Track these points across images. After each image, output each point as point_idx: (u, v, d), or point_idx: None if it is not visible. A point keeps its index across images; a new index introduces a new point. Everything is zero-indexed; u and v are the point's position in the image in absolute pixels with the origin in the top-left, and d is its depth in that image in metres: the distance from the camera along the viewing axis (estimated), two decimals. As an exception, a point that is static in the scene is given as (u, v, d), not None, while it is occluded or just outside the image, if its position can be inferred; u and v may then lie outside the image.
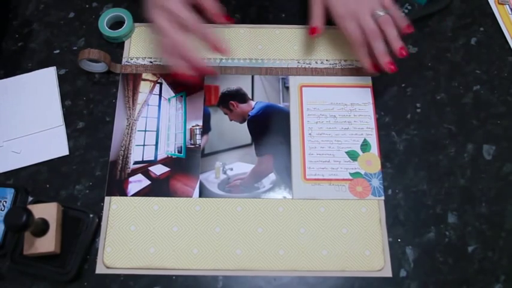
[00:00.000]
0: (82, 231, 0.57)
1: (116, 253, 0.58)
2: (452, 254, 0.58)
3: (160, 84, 0.67)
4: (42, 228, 0.54)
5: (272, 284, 0.57)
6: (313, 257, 0.58)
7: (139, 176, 0.62)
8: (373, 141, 0.64)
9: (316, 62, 0.69)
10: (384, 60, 0.61)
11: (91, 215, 0.58)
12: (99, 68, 0.67)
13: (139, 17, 0.71)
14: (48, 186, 0.61)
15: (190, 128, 0.65)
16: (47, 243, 0.54)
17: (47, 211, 0.55)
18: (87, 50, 0.64)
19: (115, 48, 0.70)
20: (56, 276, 0.55)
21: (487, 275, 0.57)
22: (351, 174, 0.62)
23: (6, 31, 0.71)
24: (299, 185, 0.62)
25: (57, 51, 0.70)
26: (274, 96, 0.67)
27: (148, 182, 0.62)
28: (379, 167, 0.63)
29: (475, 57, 0.70)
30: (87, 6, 0.73)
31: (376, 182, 0.62)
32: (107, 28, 0.69)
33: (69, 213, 0.57)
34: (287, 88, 0.67)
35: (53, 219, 0.55)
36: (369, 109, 0.66)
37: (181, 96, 0.67)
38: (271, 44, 0.70)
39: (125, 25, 0.69)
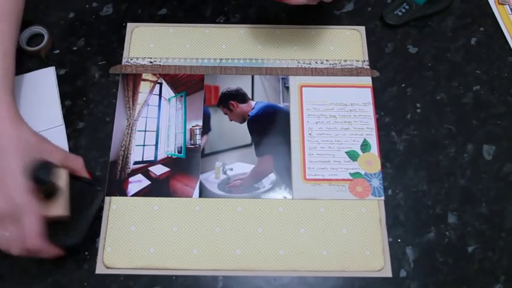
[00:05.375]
0: (88, 202, 0.56)
1: (116, 253, 0.58)
2: (452, 254, 0.58)
3: (160, 84, 0.67)
4: (54, 189, 0.52)
5: (272, 284, 0.57)
6: (313, 257, 0.58)
7: (139, 176, 0.62)
8: (373, 141, 0.64)
9: (316, 62, 0.69)
10: None
11: (98, 188, 0.57)
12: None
13: (140, 17, 0.71)
14: (48, 186, 0.61)
15: (190, 128, 0.65)
16: (58, 207, 0.52)
17: (57, 175, 0.53)
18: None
19: (115, 48, 0.70)
20: (63, 239, 0.53)
21: (487, 275, 0.57)
22: (351, 174, 0.62)
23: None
24: (299, 185, 0.62)
25: (57, 51, 0.70)
26: (274, 96, 0.67)
27: (148, 182, 0.62)
28: (379, 167, 0.63)
29: (475, 57, 0.70)
30: (87, 6, 0.73)
31: (376, 182, 0.62)
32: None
33: (76, 184, 0.56)
34: (287, 88, 0.67)
35: (63, 183, 0.53)
36: (369, 109, 0.66)
37: (181, 96, 0.67)
38: (271, 44, 0.70)
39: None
